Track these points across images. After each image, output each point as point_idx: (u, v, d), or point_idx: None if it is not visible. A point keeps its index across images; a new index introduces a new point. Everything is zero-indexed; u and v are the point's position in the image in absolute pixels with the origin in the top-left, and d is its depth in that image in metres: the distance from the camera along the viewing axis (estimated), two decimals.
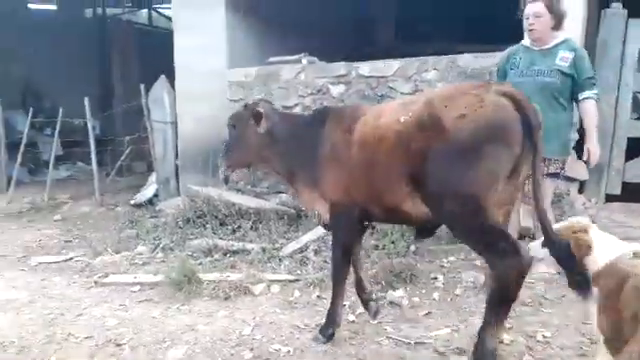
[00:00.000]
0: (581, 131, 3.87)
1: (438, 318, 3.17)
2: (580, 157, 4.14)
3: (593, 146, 3.51)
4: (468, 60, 5.13)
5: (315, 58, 6.05)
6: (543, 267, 3.62)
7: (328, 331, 2.92)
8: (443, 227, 3.05)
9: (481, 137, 2.25)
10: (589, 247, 2.09)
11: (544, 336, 2.87)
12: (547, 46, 3.48)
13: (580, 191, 4.88)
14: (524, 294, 3.17)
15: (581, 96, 3.47)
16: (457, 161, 2.29)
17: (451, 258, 4.20)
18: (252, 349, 2.86)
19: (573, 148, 4.73)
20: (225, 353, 2.83)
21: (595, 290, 2.04)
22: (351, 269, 3.00)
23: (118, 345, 2.98)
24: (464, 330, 2.98)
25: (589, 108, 3.48)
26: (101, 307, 3.67)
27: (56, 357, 2.92)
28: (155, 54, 9.16)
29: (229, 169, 3.52)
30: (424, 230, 3.11)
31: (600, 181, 4.85)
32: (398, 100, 3.47)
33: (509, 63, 3.60)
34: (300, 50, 6.09)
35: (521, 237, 3.81)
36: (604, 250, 2.08)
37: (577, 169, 4.76)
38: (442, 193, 2.34)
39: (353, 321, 3.21)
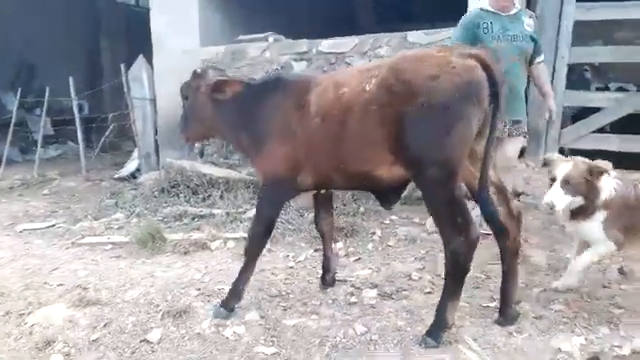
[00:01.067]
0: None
1: (365, 263, 3.63)
2: None
3: (554, 105, 3.88)
4: (418, 36, 5.50)
5: (282, 36, 6.41)
6: None
7: (229, 305, 2.90)
8: None
9: (455, 98, 2.24)
10: (601, 173, 2.71)
11: None
12: (512, 12, 3.63)
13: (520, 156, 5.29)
14: None
15: (538, 59, 3.76)
16: (434, 124, 2.28)
17: (393, 217, 4.64)
18: (199, 289, 3.32)
19: None
20: (175, 292, 3.28)
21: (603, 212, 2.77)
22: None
23: (84, 289, 3.42)
24: (384, 271, 3.45)
25: (544, 70, 3.88)
26: (75, 263, 4.11)
27: (31, 299, 3.36)
28: (142, 33, 9.43)
29: (188, 142, 3.63)
30: (389, 195, 2.86)
31: (538, 147, 5.25)
32: (351, 69, 3.44)
33: (480, 28, 3.57)
34: (273, 29, 6.43)
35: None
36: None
37: None
38: (423, 158, 2.34)
39: (292, 267, 3.66)
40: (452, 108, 2.25)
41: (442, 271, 3.32)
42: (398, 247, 3.96)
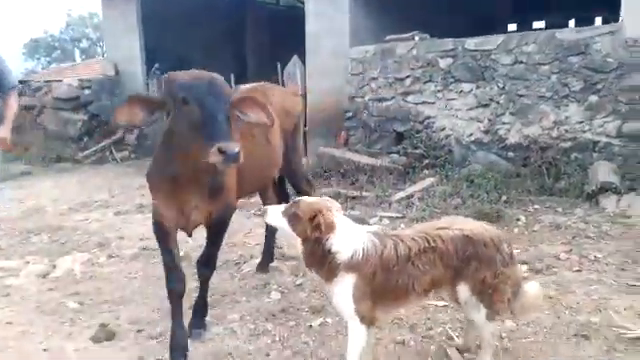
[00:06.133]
0: None
1: (514, 244, 4.07)
2: None
3: None
4: (567, 33, 5.69)
5: (427, 35, 6.92)
6: None
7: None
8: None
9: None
10: (332, 227, 2.13)
11: None
12: None
13: None
14: None
15: None
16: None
17: (536, 206, 5.00)
18: None
19: None
20: None
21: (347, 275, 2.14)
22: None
23: (280, 248, 4.31)
24: (532, 251, 3.93)
25: None
26: (260, 229, 5.05)
27: (241, 253, 4.34)
28: (283, 31, 10.45)
29: None
30: None
31: None
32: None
33: None
34: (422, 28, 6.97)
35: None
36: (347, 233, 2.15)
37: None
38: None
39: None
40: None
41: (589, 253, 3.75)
42: (544, 232, 4.35)
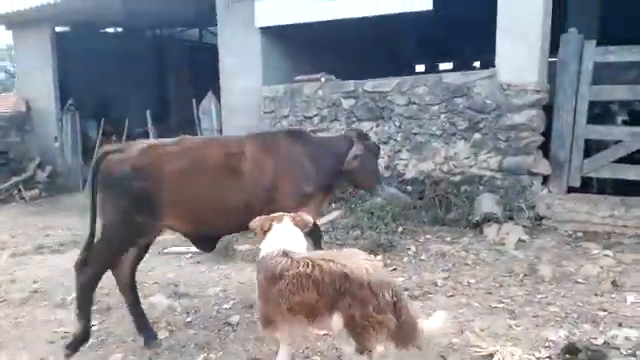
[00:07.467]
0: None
1: (400, 272, 4.38)
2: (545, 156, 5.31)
3: None
4: (453, 77, 6.26)
5: (332, 76, 7.32)
6: None
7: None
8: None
9: None
10: (264, 231, 2.68)
11: None
12: None
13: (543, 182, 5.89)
14: None
15: None
16: None
17: (427, 236, 5.37)
18: None
19: (539, 148, 5.82)
20: (247, 289, 4.14)
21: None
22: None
23: (176, 285, 4.37)
24: (415, 279, 4.18)
25: None
26: (164, 267, 5.08)
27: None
28: (204, 68, 10.62)
29: None
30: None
31: (562, 175, 5.82)
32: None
33: None
34: (328, 69, 7.35)
35: None
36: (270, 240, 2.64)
37: (540, 166, 5.81)
38: None
39: None
40: None
41: (464, 279, 4.08)
42: (430, 261, 4.68)
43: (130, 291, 3.46)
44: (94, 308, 3.99)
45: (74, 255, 5.70)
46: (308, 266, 2.43)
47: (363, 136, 3.85)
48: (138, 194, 3.17)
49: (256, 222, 2.75)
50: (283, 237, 2.64)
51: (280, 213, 2.78)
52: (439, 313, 2.58)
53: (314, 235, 3.67)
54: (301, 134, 3.78)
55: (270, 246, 2.62)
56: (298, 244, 2.67)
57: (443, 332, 2.51)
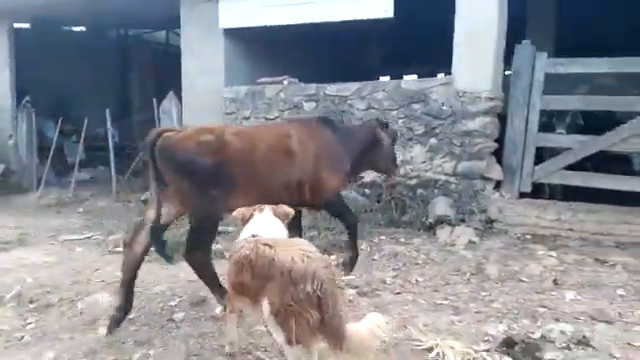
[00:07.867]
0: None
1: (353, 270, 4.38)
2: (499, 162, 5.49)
3: None
4: (411, 83, 6.36)
5: (295, 79, 7.34)
6: None
7: None
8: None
9: None
10: (244, 220, 2.80)
11: None
12: None
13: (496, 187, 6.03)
14: None
15: None
16: None
17: (382, 237, 5.40)
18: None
19: (492, 154, 5.95)
20: (194, 287, 4.06)
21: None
22: None
23: None
24: (365, 277, 4.19)
25: None
26: (112, 266, 4.91)
27: (80, 290, 4.19)
28: (169, 70, 10.51)
29: None
30: None
31: (513, 180, 5.97)
32: None
33: None
34: (291, 73, 7.36)
35: None
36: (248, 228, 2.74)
37: (493, 171, 5.95)
38: None
39: None
40: None
41: (412, 277, 4.12)
42: (382, 260, 4.70)
43: (134, 269, 3.55)
44: (32, 306, 3.89)
45: (19, 253, 5.58)
46: (249, 249, 2.47)
47: (384, 124, 4.36)
48: (210, 169, 3.30)
49: (239, 212, 2.83)
50: (261, 225, 2.72)
51: (262, 205, 2.86)
52: (372, 315, 2.34)
53: (294, 227, 3.76)
54: (331, 121, 4.25)
55: (246, 233, 2.70)
56: (276, 232, 2.72)
57: (377, 335, 2.22)
